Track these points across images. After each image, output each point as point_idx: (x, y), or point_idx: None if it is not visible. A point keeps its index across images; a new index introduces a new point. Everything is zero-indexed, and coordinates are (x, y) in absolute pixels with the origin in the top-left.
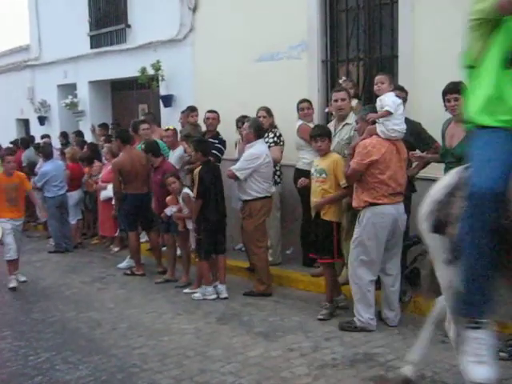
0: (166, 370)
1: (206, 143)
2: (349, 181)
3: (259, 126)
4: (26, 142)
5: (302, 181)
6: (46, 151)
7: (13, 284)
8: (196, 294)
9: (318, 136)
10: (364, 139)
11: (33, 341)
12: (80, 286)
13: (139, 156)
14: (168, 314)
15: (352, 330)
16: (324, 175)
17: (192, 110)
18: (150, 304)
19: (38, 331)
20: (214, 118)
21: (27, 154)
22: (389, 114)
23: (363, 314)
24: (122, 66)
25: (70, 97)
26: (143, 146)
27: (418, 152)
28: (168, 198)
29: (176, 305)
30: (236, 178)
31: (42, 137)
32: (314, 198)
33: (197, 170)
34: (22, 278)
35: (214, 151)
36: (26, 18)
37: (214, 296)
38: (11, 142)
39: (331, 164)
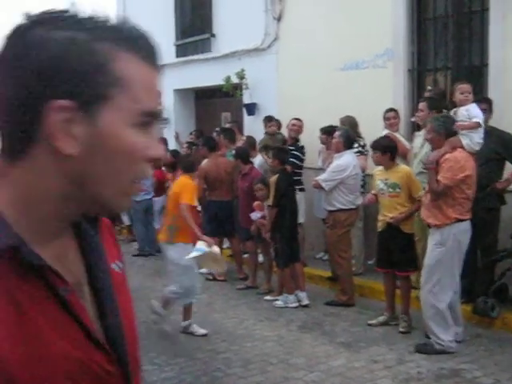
0: (249, 376)
1: (284, 151)
2: (437, 197)
3: (350, 136)
4: None
5: (371, 198)
6: None
7: (202, 331)
8: (278, 302)
9: (372, 149)
10: (447, 153)
11: None
12: (162, 291)
13: (224, 163)
14: (250, 321)
15: (430, 352)
16: (398, 189)
17: (269, 119)
18: (232, 310)
19: None
20: (300, 125)
21: None
22: (479, 125)
23: (443, 336)
24: (206, 74)
25: None
26: (233, 152)
27: None
28: (255, 203)
29: (258, 311)
30: (322, 188)
31: None
32: (389, 214)
33: (273, 178)
34: (201, 331)
35: (292, 159)
36: None
37: (296, 304)
38: None
39: (403, 177)
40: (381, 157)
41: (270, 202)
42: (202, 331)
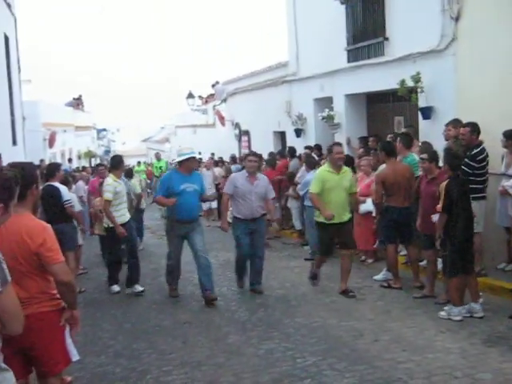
0: None
1: (453, 157)
2: None
3: None
4: (293, 151)
5: None
6: (309, 161)
7: None
8: (441, 313)
9: None
10: None
11: (298, 344)
12: (338, 295)
13: (402, 169)
14: (430, 331)
15: None
16: None
17: (452, 122)
18: (410, 318)
19: (303, 335)
20: (465, 132)
21: (293, 164)
22: None
23: None
24: (379, 78)
25: (327, 110)
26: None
27: None
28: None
29: (437, 322)
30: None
31: (305, 148)
32: None
33: (443, 184)
34: None
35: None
36: (285, 36)
37: (460, 317)
38: (278, 152)
39: None
40: None
41: (439, 207)
42: None
